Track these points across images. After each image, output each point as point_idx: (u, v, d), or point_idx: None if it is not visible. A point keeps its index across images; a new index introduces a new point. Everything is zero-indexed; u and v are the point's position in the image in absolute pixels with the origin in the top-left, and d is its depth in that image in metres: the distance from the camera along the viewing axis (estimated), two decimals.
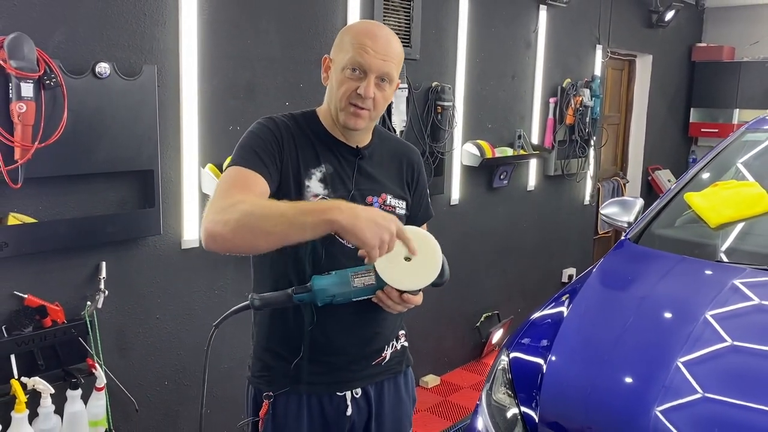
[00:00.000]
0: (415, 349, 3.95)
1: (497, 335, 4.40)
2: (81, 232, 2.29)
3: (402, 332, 1.70)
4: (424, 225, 1.76)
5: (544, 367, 1.90)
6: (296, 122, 1.55)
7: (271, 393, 1.55)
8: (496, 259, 4.42)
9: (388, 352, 1.63)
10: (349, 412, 1.58)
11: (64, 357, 2.28)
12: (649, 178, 6.19)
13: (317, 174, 1.50)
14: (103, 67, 2.23)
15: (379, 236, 1.24)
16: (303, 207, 1.30)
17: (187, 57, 2.52)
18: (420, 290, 1.40)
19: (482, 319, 4.37)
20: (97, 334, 2.35)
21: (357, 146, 1.56)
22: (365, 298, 1.42)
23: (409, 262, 1.35)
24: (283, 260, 1.48)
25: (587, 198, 5.27)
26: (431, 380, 3.95)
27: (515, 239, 4.57)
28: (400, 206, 1.61)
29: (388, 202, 1.58)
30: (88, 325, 2.31)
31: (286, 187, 1.48)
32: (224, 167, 2.64)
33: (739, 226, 2.39)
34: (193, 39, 2.53)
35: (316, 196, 1.49)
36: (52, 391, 2.13)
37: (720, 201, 2.37)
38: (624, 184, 6.04)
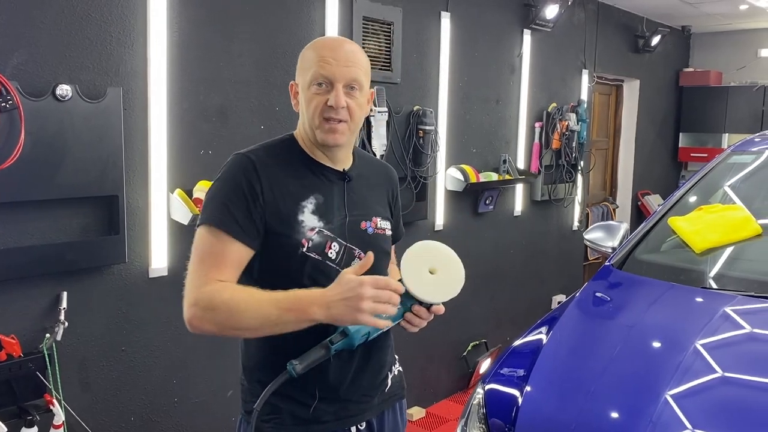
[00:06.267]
0: None
1: (485, 365, 4.27)
2: (40, 260, 2.19)
3: (395, 356, 1.62)
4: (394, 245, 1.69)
5: (520, 400, 1.79)
6: (274, 154, 1.44)
7: None
8: (483, 285, 4.31)
9: (389, 379, 1.55)
10: None
11: (20, 393, 2.16)
12: (639, 203, 6.13)
13: (309, 206, 1.41)
14: (65, 90, 2.15)
15: (356, 310, 1.23)
16: (285, 304, 1.28)
17: (155, 79, 2.44)
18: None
19: (469, 348, 4.25)
20: (57, 368, 2.24)
21: (343, 169, 1.48)
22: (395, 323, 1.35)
23: (434, 275, 1.33)
24: None
25: (576, 223, 5.19)
26: (416, 413, 3.81)
27: (503, 265, 4.47)
28: (388, 228, 1.55)
29: (379, 225, 1.51)
30: (47, 359, 2.20)
31: (279, 231, 1.38)
32: (194, 193, 2.55)
33: (726, 252, 2.29)
34: (162, 61, 2.46)
35: (313, 229, 1.39)
36: (5, 429, 2.01)
37: (705, 225, 2.28)
38: (613, 210, 5.97)
